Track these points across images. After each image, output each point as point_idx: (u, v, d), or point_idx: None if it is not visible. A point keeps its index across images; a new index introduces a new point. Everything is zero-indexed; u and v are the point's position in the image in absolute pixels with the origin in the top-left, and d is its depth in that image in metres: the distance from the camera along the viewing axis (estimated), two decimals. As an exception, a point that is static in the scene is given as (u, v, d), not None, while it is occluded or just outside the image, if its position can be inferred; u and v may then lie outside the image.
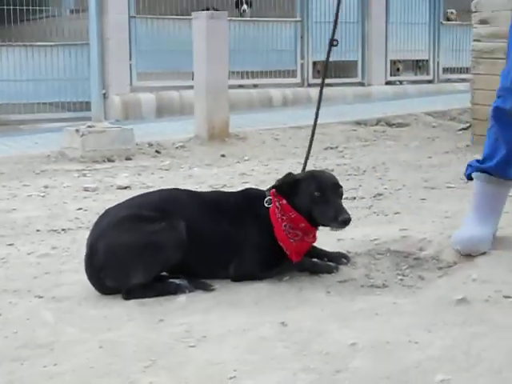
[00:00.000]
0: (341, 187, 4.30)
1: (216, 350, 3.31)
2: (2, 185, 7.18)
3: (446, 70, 15.82)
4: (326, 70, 4.98)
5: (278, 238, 4.23)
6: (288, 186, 4.26)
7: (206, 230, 4.23)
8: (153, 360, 3.22)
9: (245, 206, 4.33)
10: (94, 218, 5.69)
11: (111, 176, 7.51)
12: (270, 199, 4.28)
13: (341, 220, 4.09)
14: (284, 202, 4.26)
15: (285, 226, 4.22)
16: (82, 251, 4.84)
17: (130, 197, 4.59)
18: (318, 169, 4.80)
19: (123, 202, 4.42)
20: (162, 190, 4.80)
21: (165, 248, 4.07)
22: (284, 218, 4.23)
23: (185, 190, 4.60)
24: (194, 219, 4.22)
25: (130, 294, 4.05)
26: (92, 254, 4.13)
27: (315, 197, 4.19)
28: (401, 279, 4.25)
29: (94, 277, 4.13)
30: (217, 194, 4.67)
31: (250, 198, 4.38)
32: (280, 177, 4.46)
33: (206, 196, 4.52)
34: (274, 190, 4.29)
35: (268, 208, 4.27)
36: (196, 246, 4.17)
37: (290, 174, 4.37)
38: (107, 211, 4.34)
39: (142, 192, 4.82)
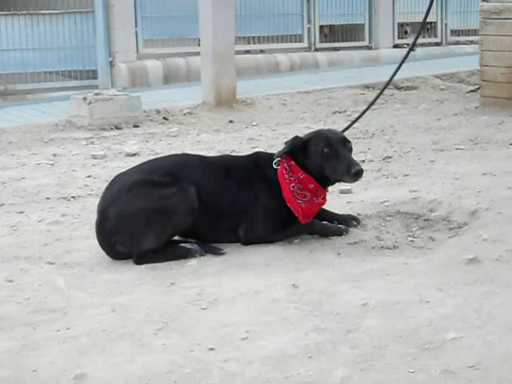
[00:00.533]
0: (349, 142, 4.30)
1: (228, 312, 3.32)
2: (10, 154, 7.18)
3: (454, 32, 15.69)
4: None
5: (285, 199, 4.23)
6: (297, 148, 4.25)
7: (216, 193, 4.23)
8: (165, 322, 3.24)
9: (254, 168, 4.33)
10: (104, 185, 5.71)
11: (119, 143, 7.50)
12: (279, 161, 4.28)
13: (353, 172, 4.09)
14: (293, 163, 4.25)
15: (293, 186, 4.22)
16: (92, 218, 4.86)
17: (141, 162, 4.59)
18: (323, 128, 4.78)
19: (134, 168, 4.42)
20: (172, 155, 4.80)
21: (176, 213, 4.08)
22: (292, 178, 4.22)
23: (194, 155, 4.60)
24: (204, 183, 4.22)
25: (141, 259, 4.06)
26: (103, 220, 4.14)
27: (325, 153, 4.18)
28: (411, 240, 4.25)
29: (106, 242, 4.14)
30: (226, 158, 4.67)
31: (259, 161, 4.38)
32: (287, 139, 4.45)
33: (216, 160, 4.52)
34: (284, 154, 4.29)
35: (276, 170, 4.27)
36: (206, 210, 4.18)
37: (297, 137, 4.36)
38: (118, 177, 4.34)
39: (151, 159, 4.82)
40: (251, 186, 4.26)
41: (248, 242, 4.24)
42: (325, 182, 4.26)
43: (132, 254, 4.07)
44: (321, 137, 4.26)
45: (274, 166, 4.28)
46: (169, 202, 4.07)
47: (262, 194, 4.25)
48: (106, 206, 4.16)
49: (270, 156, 4.38)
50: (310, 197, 4.24)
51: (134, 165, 4.59)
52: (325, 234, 4.32)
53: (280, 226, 4.26)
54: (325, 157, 4.18)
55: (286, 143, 4.36)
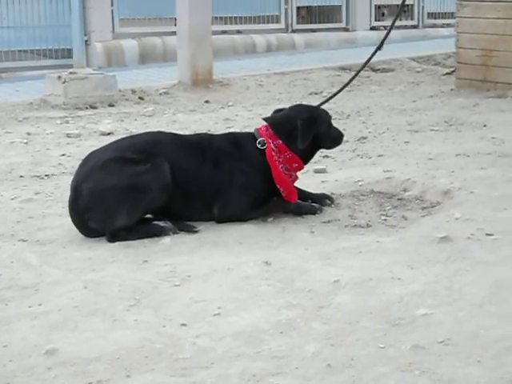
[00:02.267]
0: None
1: (200, 289, 3.33)
2: (-16, 132, 7.12)
3: (431, 15, 15.72)
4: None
5: (276, 180, 4.23)
6: (288, 125, 4.27)
7: (191, 171, 4.22)
8: (137, 299, 3.24)
9: (230, 148, 4.31)
10: (78, 164, 5.70)
11: (94, 122, 7.45)
12: (264, 140, 4.27)
13: (342, 137, 4.64)
14: (279, 142, 4.26)
15: (281, 167, 4.23)
16: (65, 196, 4.82)
17: (114, 140, 4.57)
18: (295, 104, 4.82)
19: (107, 145, 4.40)
20: (147, 132, 4.78)
21: (149, 189, 4.06)
22: (281, 159, 4.24)
23: (169, 133, 4.57)
24: (179, 161, 4.20)
25: (114, 236, 4.05)
26: (76, 197, 4.12)
27: (326, 130, 4.43)
28: (384, 219, 4.28)
29: (79, 219, 4.13)
30: (201, 136, 4.66)
31: (236, 141, 4.36)
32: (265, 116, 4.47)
33: (191, 138, 4.50)
34: (268, 130, 4.29)
35: (262, 150, 4.27)
36: (180, 188, 4.17)
37: (279, 111, 4.40)
38: (91, 154, 4.32)
39: (125, 136, 4.80)
40: (227, 164, 4.25)
41: (222, 220, 4.24)
42: (307, 159, 4.35)
43: (105, 232, 4.06)
44: (322, 117, 4.44)
45: (259, 146, 4.27)
46: (142, 179, 4.05)
47: (240, 173, 4.24)
48: (79, 183, 4.14)
49: (249, 135, 4.37)
50: (294, 176, 4.30)
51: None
52: (299, 212, 4.33)
53: (255, 204, 4.26)
54: (324, 135, 4.41)
55: (269, 118, 4.39)
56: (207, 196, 4.23)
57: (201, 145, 4.35)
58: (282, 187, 4.24)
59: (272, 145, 4.25)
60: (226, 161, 4.27)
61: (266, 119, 4.43)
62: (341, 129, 4.64)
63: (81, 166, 4.28)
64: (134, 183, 4.03)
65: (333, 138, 4.50)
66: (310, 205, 4.38)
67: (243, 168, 4.25)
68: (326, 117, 4.48)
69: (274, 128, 4.29)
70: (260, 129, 4.33)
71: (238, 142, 4.35)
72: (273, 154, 4.24)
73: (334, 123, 6.89)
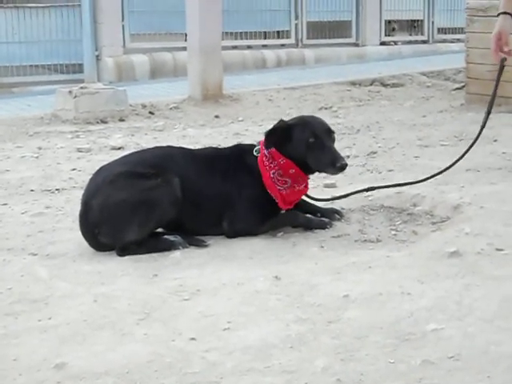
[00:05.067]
0: (333, 132, 4.34)
1: (210, 303, 3.33)
2: (-5, 146, 7.15)
3: (441, 31, 15.74)
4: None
5: (266, 185, 4.23)
6: (280, 133, 4.25)
7: (200, 185, 4.23)
8: (147, 313, 3.24)
9: (235, 159, 4.34)
10: (88, 178, 5.72)
11: (105, 137, 7.48)
12: (259, 148, 4.29)
13: (338, 166, 4.15)
14: (272, 149, 4.24)
15: (273, 173, 4.23)
16: (76, 210, 4.84)
17: (124, 155, 4.59)
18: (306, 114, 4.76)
19: (117, 160, 4.41)
20: (156, 147, 4.79)
21: (159, 204, 4.07)
22: (272, 165, 4.23)
23: (178, 148, 4.59)
24: (188, 175, 4.22)
25: (124, 250, 4.05)
26: (86, 211, 4.13)
27: (310, 143, 4.19)
28: (394, 234, 4.27)
29: (89, 233, 4.13)
30: (209, 150, 4.67)
31: (240, 152, 4.39)
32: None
33: (199, 152, 4.52)
34: (263, 139, 4.29)
35: (256, 157, 4.28)
36: (190, 202, 4.18)
37: (282, 121, 4.36)
38: (102, 168, 4.33)
39: (135, 151, 4.81)
40: (234, 177, 4.27)
41: (232, 234, 4.24)
42: (307, 168, 4.26)
43: (115, 246, 4.07)
44: (306, 125, 4.26)
45: (255, 154, 4.28)
46: (153, 194, 4.06)
47: (244, 185, 4.25)
48: (90, 197, 4.15)
49: (251, 146, 4.39)
50: (291, 183, 4.24)
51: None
52: (308, 226, 4.32)
53: (263, 217, 4.26)
54: (309, 146, 4.19)
55: (268, 132, 4.35)
56: (217, 209, 4.24)
57: (208, 158, 4.37)
58: (271, 193, 4.24)
59: (265, 151, 4.25)
60: (232, 173, 4.28)
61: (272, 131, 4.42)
62: (343, 158, 4.20)
63: (91, 180, 4.29)
64: (144, 198, 4.05)
65: (324, 158, 4.17)
66: (320, 219, 4.38)
67: (246, 180, 4.26)
68: (320, 129, 4.25)
69: (267, 136, 4.28)
70: (261, 142, 4.34)
71: (242, 153, 4.37)
72: (264, 160, 4.24)
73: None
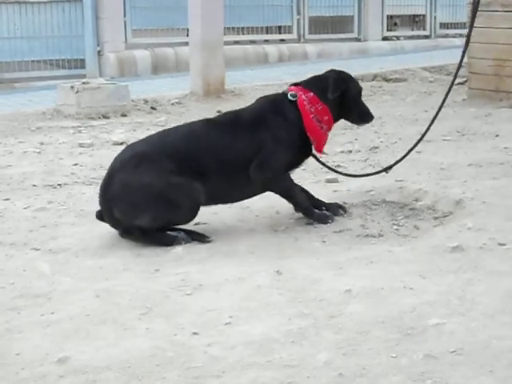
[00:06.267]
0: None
1: (212, 298, 3.33)
2: (-3, 142, 7.15)
3: (443, 25, 15.71)
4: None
5: (308, 128, 4.31)
6: (332, 81, 4.40)
7: (228, 149, 4.23)
8: (149, 308, 3.25)
9: (267, 108, 4.36)
10: (90, 173, 5.74)
11: (106, 132, 7.48)
12: (295, 93, 4.35)
13: (371, 118, 4.61)
14: (311, 94, 4.34)
15: (313, 117, 4.31)
16: (78, 205, 4.88)
17: (152, 134, 4.60)
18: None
19: (146, 139, 4.44)
20: (182, 127, 4.68)
21: (179, 207, 4.10)
22: (312, 109, 4.31)
23: (203, 124, 4.47)
24: (215, 146, 4.23)
25: (128, 233, 4.09)
26: (108, 184, 4.17)
27: (354, 95, 4.49)
28: (396, 229, 4.27)
29: (106, 206, 4.17)
30: (234, 111, 4.59)
31: (271, 100, 4.44)
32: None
33: (224, 118, 4.53)
34: (304, 83, 4.42)
35: (293, 101, 4.33)
36: (220, 171, 4.21)
37: (332, 70, 4.56)
38: (129, 146, 4.41)
39: (162, 130, 4.77)
40: (263, 125, 4.28)
41: (257, 176, 4.22)
42: (338, 116, 4.47)
43: (126, 220, 4.10)
44: (353, 79, 4.57)
45: (291, 98, 4.33)
46: (175, 194, 4.08)
47: (274, 127, 4.28)
48: (114, 171, 4.19)
49: (279, 94, 4.48)
50: (325, 129, 4.40)
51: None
52: (310, 215, 4.32)
53: (288, 157, 4.30)
54: (352, 98, 4.47)
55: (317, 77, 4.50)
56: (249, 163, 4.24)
57: (234, 118, 4.40)
58: (312, 136, 4.33)
59: (303, 96, 4.33)
60: (265, 121, 4.31)
61: (296, 83, 4.51)
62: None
63: (118, 155, 4.31)
64: (168, 194, 4.07)
65: (360, 112, 4.54)
66: (322, 213, 4.37)
67: (282, 123, 4.31)
68: (358, 84, 4.59)
69: (305, 84, 4.43)
70: (289, 88, 4.44)
71: (273, 101, 4.44)
72: (305, 104, 4.32)
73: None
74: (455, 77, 5.06)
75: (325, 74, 4.53)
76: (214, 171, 4.20)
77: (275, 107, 4.36)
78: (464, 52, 5.04)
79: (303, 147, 4.38)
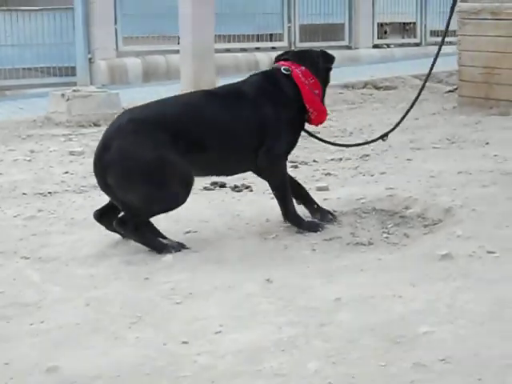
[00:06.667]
0: None
1: (202, 307, 3.34)
2: (-13, 150, 7.14)
3: (434, 33, 15.77)
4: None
5: (307, 100, 4.33)
6: (307, 55, 4.49)
7: (231, 122, 4.26)
8: (139, 316, 3.25)
9: (265, 81, 4.38)
10: (81, 182, 5.73)
11: (97, 140, 7.34)
12: (288, 68, 4.37)
13: None
14: (303, 68, 4.37)
15: (310, 89, 4.36)
16: (68, 214, 4.87)
17: (149, 102, 4.55)
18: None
19: (146, 105, 4.43)
20: (182, 96, 4.78)
21: (172, 189, 4.07)
22: (307, 82, 4.35)
23: (202, 95, 4.48)
24: (215, 119, 4.24)
25: (121, 226, 4.07)
26: (104, 149, 4.13)
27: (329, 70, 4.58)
28: (386, 237, 4.28)
29: (100, 172, 4.14)
30: (233, 84, 4.56)
31: (266, 74, 4.44)
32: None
33: (222, 90, 4.51)
34: (296, 58, 4.44)
35: (288, 75, 4.35)
36: (222, 144, 4.23)
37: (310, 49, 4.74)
38: (129, 110, 4.41)
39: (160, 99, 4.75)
40: (261, 100, 4.30)
41: (264, 164, 4.27)
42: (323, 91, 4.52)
43: (117, 192, 4.07)
44: (330, 55, 4.62)
45: (284, 72, 4.35)
46: (171, 174, 4.04)
47: (283, 104, 4.31)
48: (111, 136, 4.14)
49: (273, 69, 4.45)
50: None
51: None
52: (298, 225, 4.32)
53: (292, 129, 4.35)
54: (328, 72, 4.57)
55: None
56: (254, 138, 4.26)
57: (235, 91, 4.40)
58: (313, 107, 4.36)
59: (297, 70, 4.36)
60: (262, 96, 4.31)
61: (280, 57, 4.53)
62: None
63: (114, 121, 4.29)
64: (162, 173, 4.03)
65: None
66: (312, 221, 4.37)
67: (277, 96, 4.32)
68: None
69: (295, 59, 4.44)
70: (279, 63, 4.45)
71: (266, 76, 4.43)
72: (300, 76, 4.35)
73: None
74: (426, 79, 5.21)
75: (307, 50, 4.68)
76: (211, 143, 4.21)
77: (273, 82, 4.37)
78: (436, 57, 5.17)
79: (303, 122, 4.43)
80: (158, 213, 4.16)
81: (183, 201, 4.14)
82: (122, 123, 4.17)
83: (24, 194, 5.49)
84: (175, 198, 4.11)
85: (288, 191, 4.36)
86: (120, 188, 4.07)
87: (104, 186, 4.16)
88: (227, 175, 4.63)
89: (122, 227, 4.09)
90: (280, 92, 4.34)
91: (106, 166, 4.09)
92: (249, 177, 5.31)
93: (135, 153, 4.05)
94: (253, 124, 4.25)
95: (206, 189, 5.29)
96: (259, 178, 5.19)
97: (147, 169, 4.04)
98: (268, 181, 4.39)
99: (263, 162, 4.28)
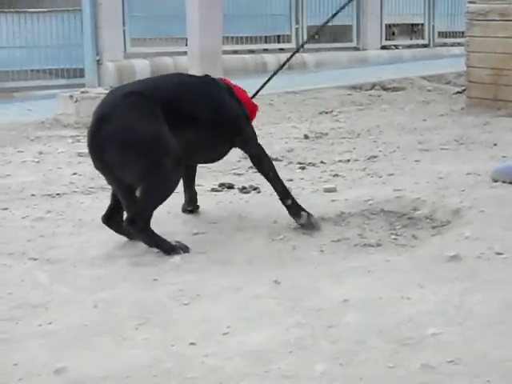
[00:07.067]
0: None
1: (209, 308, 3.33)
2: (-4, 151, 7.16)
3: (442, 34, 15.76)
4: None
5: (245, 100, 4.57)
6: None
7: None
8: (147, 318, 3.25)
9: (218, 82, 4.58)
10: (89, 183, 5.74)
11: (106, 142, 7.48)
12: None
13: None
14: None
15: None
16: (76, 215, 4.88)
17: (141, 80, 4.60)
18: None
19: (139, 81, 4.52)
20: (175, 75, 4.92)
21: (169, 171, 4.05)
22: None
23: (189, 76, 4.77)
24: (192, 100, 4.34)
25: (130, 225, 4.05)
26: (102, 123, 4.03)
27: None
28: (394, 238, 4.27)
29: (96, 147, 4.05)
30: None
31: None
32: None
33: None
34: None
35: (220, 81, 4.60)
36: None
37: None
38: (122, 86, 4.39)
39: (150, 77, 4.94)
40: (229, 98, 4.53)
41: (252, 151, 4.54)
42: None
43: (115, 166, 4.02)
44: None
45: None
46: (168, 154, 4.02)
47: (239, 104, 4.57)
48: (108, 111, 4.05)
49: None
50: None
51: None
52: (297, 209, 4.42)
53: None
54: None
55: None
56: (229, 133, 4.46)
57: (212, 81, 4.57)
58: (248, 104, 4.64)
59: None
60: (225, 94, 4.51)
61: None
62: None
63: (112, 92, 4.24)
64: (159, 144, 4.02)
65: None
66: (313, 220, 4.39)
67: (234, 99, 4.54)
68: None
69: None
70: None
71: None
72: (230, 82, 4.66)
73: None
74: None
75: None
76: (199, 126, 4.28)
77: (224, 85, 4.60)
78: None
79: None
80: (155, 191, 4.10)
81: (178, 178, 4.15)
82: (118, 97, 4.10)
83: (32, 195, 5.50)
84: (169, 175, 4.07)
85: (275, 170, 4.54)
86: (118, 163, 4.00)
87: (100, 163, 4.08)
88: (206, 163, 4.82)
89: (131, 226, 4.06)
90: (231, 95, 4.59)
91: (105, 139, 3.99)
92: (256, 178, 5.32)
93: (136, 126, 4.00)
94: (232, 115, 4.47)
95: (213, 190, 5.30)
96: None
97: (147, 143, 3.99)
98: (260, 167, 4.54)
99: (252, 149, 4.51)
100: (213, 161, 4.71)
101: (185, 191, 4.70)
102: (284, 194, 4.45)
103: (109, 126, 4.01)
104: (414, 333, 3.00)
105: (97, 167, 4.18)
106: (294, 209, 4.41)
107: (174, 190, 4.15)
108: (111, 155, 4.01)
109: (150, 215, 4.09)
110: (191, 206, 4.73)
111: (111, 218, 4.29)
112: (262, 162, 4.52)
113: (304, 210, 4.40)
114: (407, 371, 2.72)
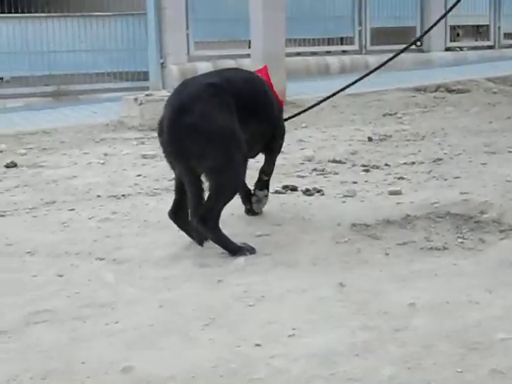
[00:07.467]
0: None
1: (275, 309, 3.33)
2: (62, 153, 7.26)
3: (508, 36, 15.50)
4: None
5: (275, 92, 4.66)
6: None
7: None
8: (212, 318, 3.26)
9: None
10: (153, 184, 5.79)
11: (169, 144, 7.54)
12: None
13: None
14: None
15: None
16: (141, 216, 4.92)
17: (209, 73, 4.68)
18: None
19: (211, 73, 4.64)
20: (242, 70, 4.90)
21: (239, 165, 4.14)
22: None
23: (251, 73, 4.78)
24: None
25: (201, 223, 4.05)
26: (182, 113, 4.01)
27: None
28: (461, 242, 4.21)
29: (175, 136, 4.02)
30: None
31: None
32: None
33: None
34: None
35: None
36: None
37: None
38: (194, 77, 4.47)
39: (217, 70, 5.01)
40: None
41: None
42: None
43: (193, 157, 4.02)
44: None
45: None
46: (239, 149, 4.09)
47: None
48: (188, 101, 4.03)
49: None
50: None
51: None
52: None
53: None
54: None
55: None
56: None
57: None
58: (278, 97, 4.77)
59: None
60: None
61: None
62: None
63: (189, 83, 4.25)
64: (234, 136, 4.09)
65: None
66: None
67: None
68: None
69: None
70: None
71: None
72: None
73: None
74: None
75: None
76: (257, 121, 4.36)
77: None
78: None
79: None
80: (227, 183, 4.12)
81: (244, 175, 4.28)
82: (199, 87, 4.10)
83: (98, 196, 5.57)
84: (239, 171, 4.14)
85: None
86: (197, 154, 3.98)
87: (176, 153, 4.06)
88: (253, 158, 4.67)
89: (202, 225, 4.05)
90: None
91: (186, 129, 3.96)
92: (320, 180, 5.31)
93: (217, 118, 4.02)
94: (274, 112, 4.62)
95: (277, 192, 5.29)
96: (331, 182, 5.20)
97: (225, 136, 4.02)
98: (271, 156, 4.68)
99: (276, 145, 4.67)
100: (254, 157, 4.68)
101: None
102: (269, 172, 4.66)
103: (190, 116, 3.99)
104: (482, 337, 2.95)
105: (170, 157, 4.16)
106: (263, 186, 4.63)
107: (241, 186, 4.20)
108: (192, 145, 3.99)
109: (220, 213, 4.10)
110: (247, 203, 4.72)
111: (177, 215, 4.31)
112: (273, 154, 4.69)
113: (267, 196, 4.65)
114: (476, 376, 2.68)
